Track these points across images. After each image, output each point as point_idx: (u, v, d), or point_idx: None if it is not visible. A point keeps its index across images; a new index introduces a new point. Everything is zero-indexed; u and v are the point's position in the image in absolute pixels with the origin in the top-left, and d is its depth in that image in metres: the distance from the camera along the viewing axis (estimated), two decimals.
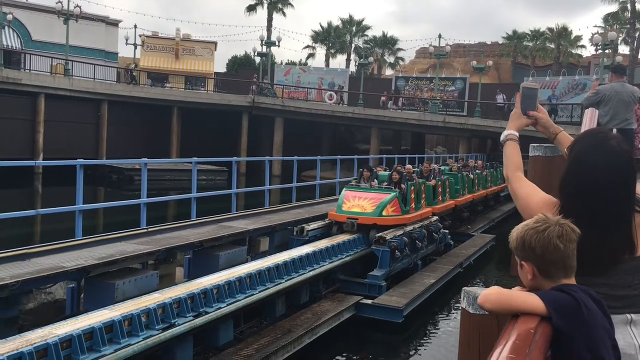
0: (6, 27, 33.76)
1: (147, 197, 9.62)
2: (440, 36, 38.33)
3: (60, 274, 6.65)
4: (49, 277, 6.51)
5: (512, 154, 2.42)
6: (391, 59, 57.06)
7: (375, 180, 12.48)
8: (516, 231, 1.88)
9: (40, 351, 4.94)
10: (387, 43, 55.57)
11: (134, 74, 36.66)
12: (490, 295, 1.76)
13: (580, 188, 2.06)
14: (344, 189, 11.93)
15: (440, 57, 38.14)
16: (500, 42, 55.69)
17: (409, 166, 14.05)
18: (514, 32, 53.01)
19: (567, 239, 1.78)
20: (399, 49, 56.48)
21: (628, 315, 1.99)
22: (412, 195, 12.21)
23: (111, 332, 5.66)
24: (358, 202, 11.29)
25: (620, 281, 2.01)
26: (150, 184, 23.84)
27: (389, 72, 57.74)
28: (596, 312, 1.68)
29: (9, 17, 32.79)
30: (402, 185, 12.04)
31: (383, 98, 37.79)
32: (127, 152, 29.47)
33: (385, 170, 13.92)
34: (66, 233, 8.96)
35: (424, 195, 13.09)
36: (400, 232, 11.10)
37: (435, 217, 13.38)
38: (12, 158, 20.18)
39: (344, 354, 8.93)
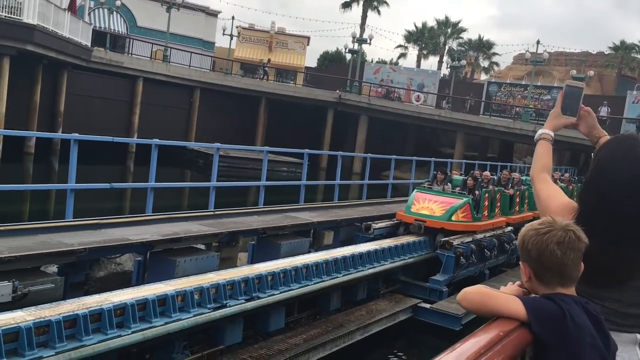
0: (114, 13, 35.83)
1: (222, 182, 9.91)
2: (538, 42, 36.68)
3: (126, 245, 7.01)
4: (115, 247, 6.88)
5: (542, 154, 2.30)
6: (485, 64, 55.53)
7: (448, 184, 12.20)
8: (522, 229, 1.79)
9: (94, 315, 5.22)
10: (483, 47, 54.11)
11: (266, 69, 37.75)
12: (470, 293, 1.68)
13: (600, 195, 1.93)
14: (415, 190, 11.76)
15: (537, 64, 36.59)
16: (606, 53, 52.80)
17: (486, 173, 13.59)
18: (622, 42, 50.07)
19: (568, 247, 1.65)
20: (495, 54, 54.84)
21: (638, 335, 1.84)
22: (486, 203, 11.83)
23: (164, 305, 5.89)
24: (428, 204, 11.09)
25: (633, 299, 1.86)
26: (232, 171, 24.53)
27: (482, 77, 56.23)
28: (585, 327, 1.56)
29: (118, 3, 34.75)
30: (476, 192, 11.70)
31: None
32: (214, 139, 30.34)
33: (460, 175, 13.57)
34: (143, 210, 9.37)
35: (499, 204, 12.65)
36: (469, 239, 10.80)
37: (509, 228, 12.89)
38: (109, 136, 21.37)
39: (397, 355, 8.82)
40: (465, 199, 11.21)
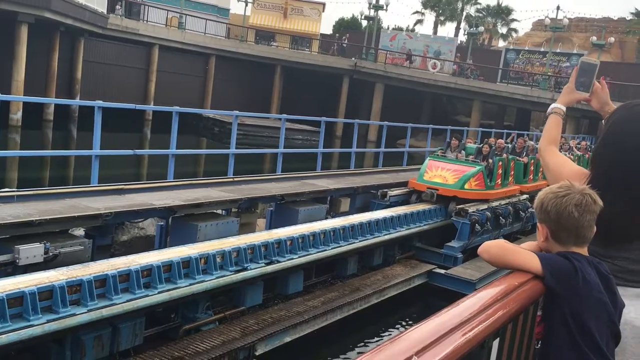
0: None
1: (241, 149, 10.05)
2: (558, 8, 36.04)
3: (150, 210, 7.22)
4: (139, 212, 7.09)
5: (551, 128, 2.40)
6: (504, 30, 54.70)
7: (462, 152, 12.25)
8: (540, 193, 1.91)
9: (123, 275, 5.46)
10: (501, 13, 53.22)
11: (344, 45, 37.68)
12: (491, 247, 1.81)
13: (611, 159, 2.04)
14: (428, 158, 11.82)
15: (557, 30, 36.02)
16: (627, 18, 51.70)
17: (500, 140, 13.61)
18: None
19: (585, 209, 1.78)
20: (513, 20, 53.95)
21: None
22: (500, 171, 11.89)
23: (188, 267, 6.12)
24: (440, 172, 11.16)
25: None
26: (248, 139, 24.64)
27: (500, 43, 55.42)
28: (594, 285, 1.69)
29: None
30: (490, 160, 11.75)
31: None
32: (229, 106, 30.48)
33: (474, 143, 13.60)
34: (161, 176, 9.59)
35: (512, 172, 12.70)
36: (484, 206, 10.92)
37: (525, 196, 12.97)
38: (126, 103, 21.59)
39: (412, 318, 9.04)
40: (478, 167, 11.27)
